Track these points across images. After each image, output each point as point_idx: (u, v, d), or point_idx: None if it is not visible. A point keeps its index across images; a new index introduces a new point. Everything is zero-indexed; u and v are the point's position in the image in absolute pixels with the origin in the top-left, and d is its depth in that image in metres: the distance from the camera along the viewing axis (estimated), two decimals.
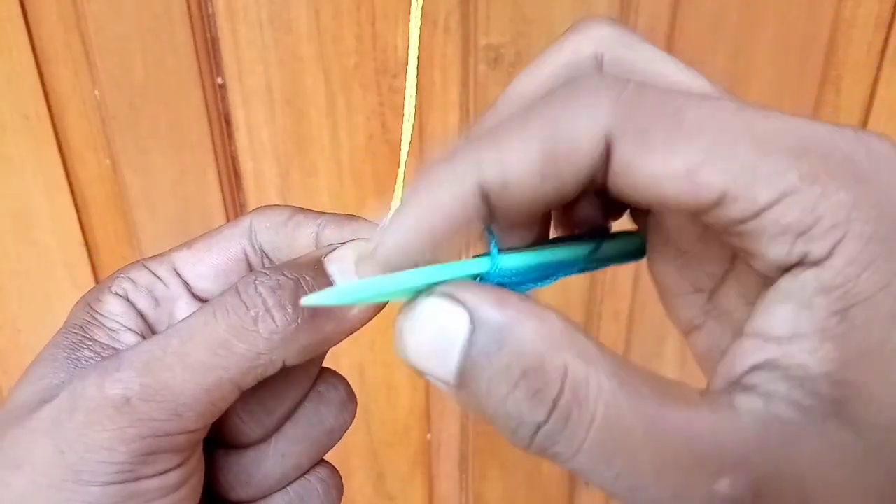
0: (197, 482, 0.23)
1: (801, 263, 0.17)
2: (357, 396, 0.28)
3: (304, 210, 0.26)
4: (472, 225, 0.19)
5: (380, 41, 0.50)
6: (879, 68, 0.53)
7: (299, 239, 0.25)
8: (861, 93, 0.54)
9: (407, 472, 0.69)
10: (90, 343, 0.23)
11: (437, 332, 0.18)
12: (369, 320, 0.24)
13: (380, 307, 0.24)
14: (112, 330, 0.24)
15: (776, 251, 0.17)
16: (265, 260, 0.26)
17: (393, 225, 0.19)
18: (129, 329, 0.24)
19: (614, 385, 0.17)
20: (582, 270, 0.23)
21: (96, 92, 0.51)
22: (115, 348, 0.23)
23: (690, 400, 0.17)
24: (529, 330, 0.17)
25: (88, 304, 0.24)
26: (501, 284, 0.20)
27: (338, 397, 0.27)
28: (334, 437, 0.27)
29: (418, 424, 0.67)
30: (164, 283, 0.25)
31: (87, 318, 0.24)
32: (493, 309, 0.17)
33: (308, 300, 0.19)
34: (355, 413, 0.27)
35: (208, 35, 0.50)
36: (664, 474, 0.17)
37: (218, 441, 0.26)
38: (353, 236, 0.25)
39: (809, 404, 0.17)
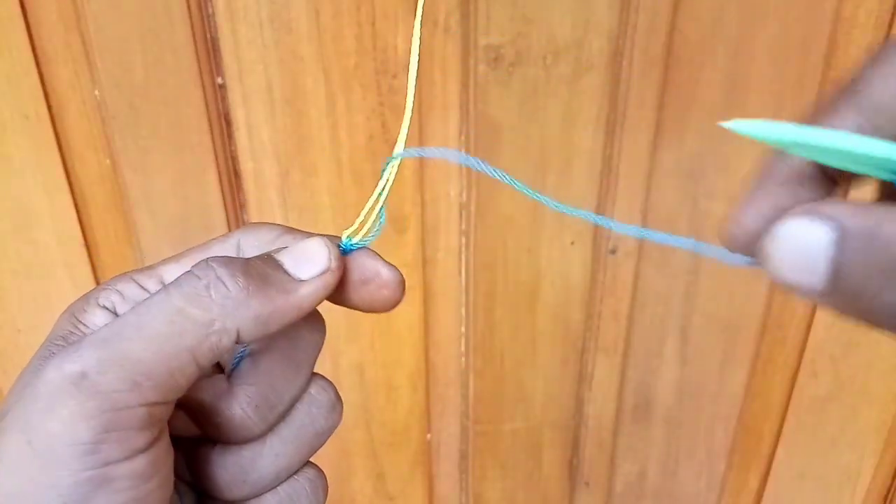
0: (166, 475, 0.24)
1: None
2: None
3: (292, 230, 0.27)
4: None
5: (380, 41, 0.50)
6: None
7: None
8: None
9: (407, 472, 0.69)
10: None
11: (803, 247, 0.20)
12: (321, 300, 0.25)
13: (332, 286, 0.25)
14: None
15: None
16: None
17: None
18: None
19: None
20: None
21: (96, 92, 0.51)
22: None
23: None
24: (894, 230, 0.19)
25: (74, 314, 0.25)
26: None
27: (328, 400, 0.28)
28: (322, 438, 0.28)
29: (418, 424, 0.67)
30: None
31: (69, 329, 0.24)
32: (859, 216, 0.19)
33: (731, 124, 0.20)
34: (342, 416, 0.28)
35: (208, 35, 0.50)
36: None
37: (216, 440, 0.26)
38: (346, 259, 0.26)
39: None
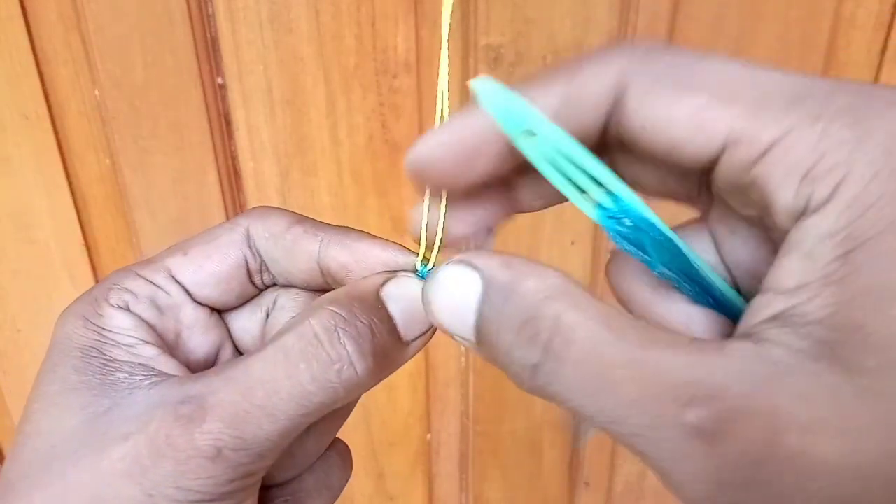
0: (258, 492, 0.24)
1: (806, 211, 0.17)
2: None
3: (302, 220, 0.26)
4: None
5: (380, 41, 0.50)
6: (879, 68, 0.53)
7: (299, 255, 0.26)
8: None
9: (407, 472, 0.69)
10: (117, 364, 0.23)
11: (456, 296, 0.20)
12: None
13: (428, 340, 0.25)
14: (129, 346, 0.24)
15: (784, 196, 0.18)
16: (264, 267, 0.27)
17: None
18: (146, 342, 0.24)
19: (601, 328, 0.18)
20: (688, 291, 0.22)
21: (96, 92, 0.51)
22: (141, 364, 0.23)
23: (679, 343, 0.18)
24: (530, 286, 0.19)
25: (88, 319, 0.24)
26: (619, 219, 0.21)
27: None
28: (349, 410, 0.28)
29: (418, 424, 0.67)
30: (165, 292, 0.25)
31: (97, 339, 0.23)
32: (501, 270, 0.20)
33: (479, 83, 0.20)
34: None
35: (208, 35, 0.50)
36: (640, 405, 0.18)
37: None
38: (365, 258, 0.25)
39: (801, 347, 0.17)
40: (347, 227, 0.26)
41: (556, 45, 0.51)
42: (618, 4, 0.50)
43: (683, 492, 0.18)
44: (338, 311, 0.23)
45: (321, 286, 0.27)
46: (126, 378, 0.23)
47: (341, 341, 0.22)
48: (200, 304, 0.26)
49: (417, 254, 0.25)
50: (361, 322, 0.23)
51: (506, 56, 0.51)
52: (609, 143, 0.21)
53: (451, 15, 0.22)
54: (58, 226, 0.55)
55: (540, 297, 0.19)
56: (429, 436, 0.68)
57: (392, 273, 0.25)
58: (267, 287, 0.28)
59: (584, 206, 0.21)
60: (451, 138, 0.21)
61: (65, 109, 0.51)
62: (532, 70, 0.52)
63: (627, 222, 0.21)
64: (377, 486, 0.70)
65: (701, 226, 0.23)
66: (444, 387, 0.65)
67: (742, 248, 0.22)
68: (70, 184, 0.54)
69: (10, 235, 0.55)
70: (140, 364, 0.23)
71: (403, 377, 0.64)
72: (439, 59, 0.23)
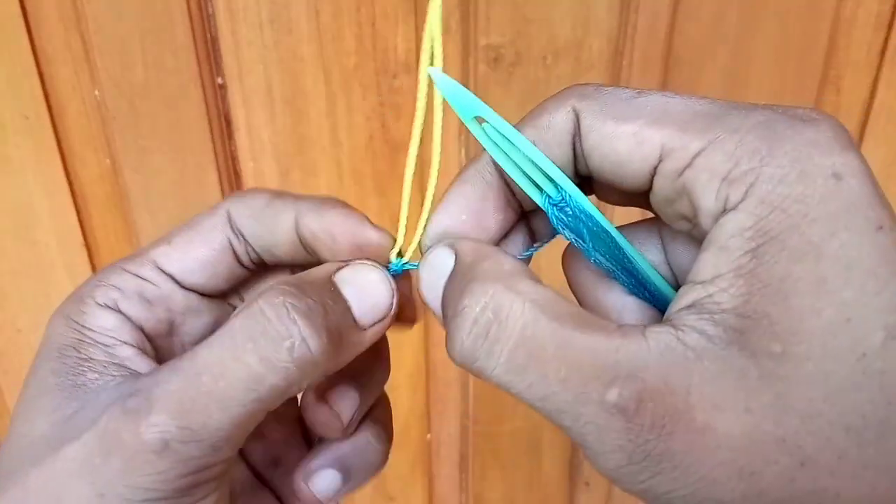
0: (227, 489, 0.24)
1: (724, 210, 0.20)
2: None
3: (280, 194, 0.26)
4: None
5: (380, 41, 0.50)
6: (879, 68, 0.53)
7: (280, 225, 0.26)
8: (861, 93, 0.54)
9: (407, 472, 0.69)
10: (90, 364, 0.23)
11: (434, 272, 0.23)
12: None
13: (387, 328, 0.25)
14: (107, 346, 0.23)
15: (707, 199, 0.20)
16: (248, 247, 0.26)
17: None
18: (125, 343, 0.24)
19: (534, 311, 0.20)
20: (624, 282, 0.24)
21: (96, 92, 0.51)
22: (115, 364, 0.23)
23: (607, 328, 0.20)
24: (482, 268, 0.21)
25: (71, 318, 0.24)
26: (559, 207, 0.23)
27: (386, 354, 0.29)
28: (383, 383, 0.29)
29: (418, 424, 0.67)
30: (153, 284, 0.25)
31: (76, 337, 0.23)
32: (469, 254, 0.22)
33: (436, 74, 0.23)
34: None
35: (208, 35, 0.50)
36: (567, 384, 0.19)
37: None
38: (332, 226, 0.25)
39: (714, 333, 0.19)
40: (326, 196, 0.26)
41: (556, 45, 0.51)
42: (618, 4, 0.50)
43: (601, 461, 0.19)
44: (287, 287, 0.22)
45: (306, 260, 0.26)
46: (97, 378, 0.22)
47: (291, 317, 0.22)
48: (191, 290, 0.26)
49: (382, 230, 0.26)
50: (312, 299, 0.22)
51: (506, 56, 0.51)
52: (582, 176, 0.23)
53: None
54: (58, 226, 0.55)
55: (484, 277, 0.21)
56: (429, 436, 0.68)
57: (346, 262, 0.25)
58: (255, 265, 0.27)
59: (531, 191, 0.23)
60: (458, 210, 0.24)
61: (65, 109, 0.51)
62: (532, 70, 0.52)
63: (569, 211, 0.23)
64: (377, 486, 0.70)
65: (653, 226, 0.25)
66: (444, 387, 0.65)
67: (683, 254, 0.24)
68: (70, 184, 0.54)
69: (10, 235, 0.55)
70: (114, 364, 0.23)
71: (403, 377, 0.64)
72: (441, 58, 0.23)
